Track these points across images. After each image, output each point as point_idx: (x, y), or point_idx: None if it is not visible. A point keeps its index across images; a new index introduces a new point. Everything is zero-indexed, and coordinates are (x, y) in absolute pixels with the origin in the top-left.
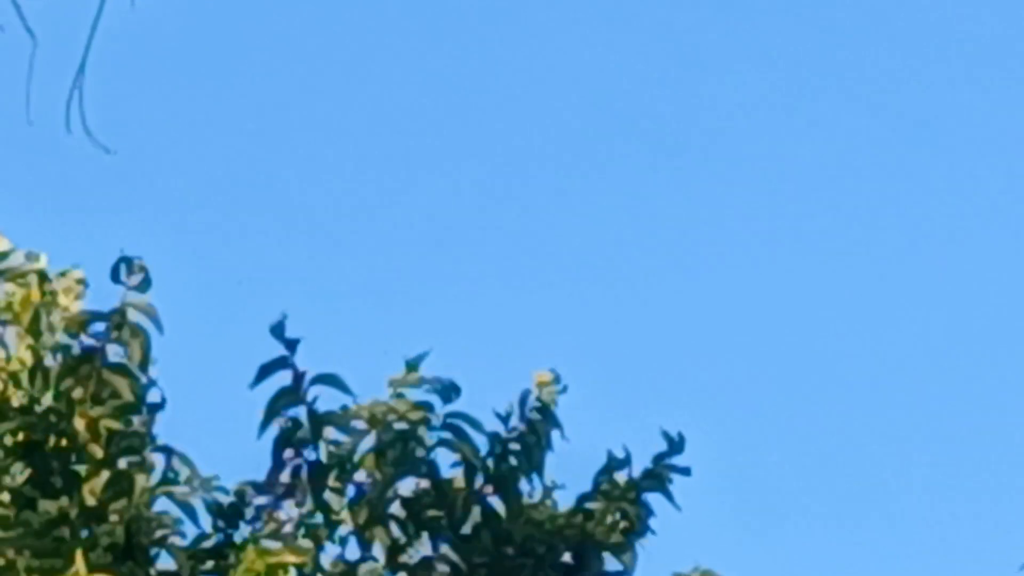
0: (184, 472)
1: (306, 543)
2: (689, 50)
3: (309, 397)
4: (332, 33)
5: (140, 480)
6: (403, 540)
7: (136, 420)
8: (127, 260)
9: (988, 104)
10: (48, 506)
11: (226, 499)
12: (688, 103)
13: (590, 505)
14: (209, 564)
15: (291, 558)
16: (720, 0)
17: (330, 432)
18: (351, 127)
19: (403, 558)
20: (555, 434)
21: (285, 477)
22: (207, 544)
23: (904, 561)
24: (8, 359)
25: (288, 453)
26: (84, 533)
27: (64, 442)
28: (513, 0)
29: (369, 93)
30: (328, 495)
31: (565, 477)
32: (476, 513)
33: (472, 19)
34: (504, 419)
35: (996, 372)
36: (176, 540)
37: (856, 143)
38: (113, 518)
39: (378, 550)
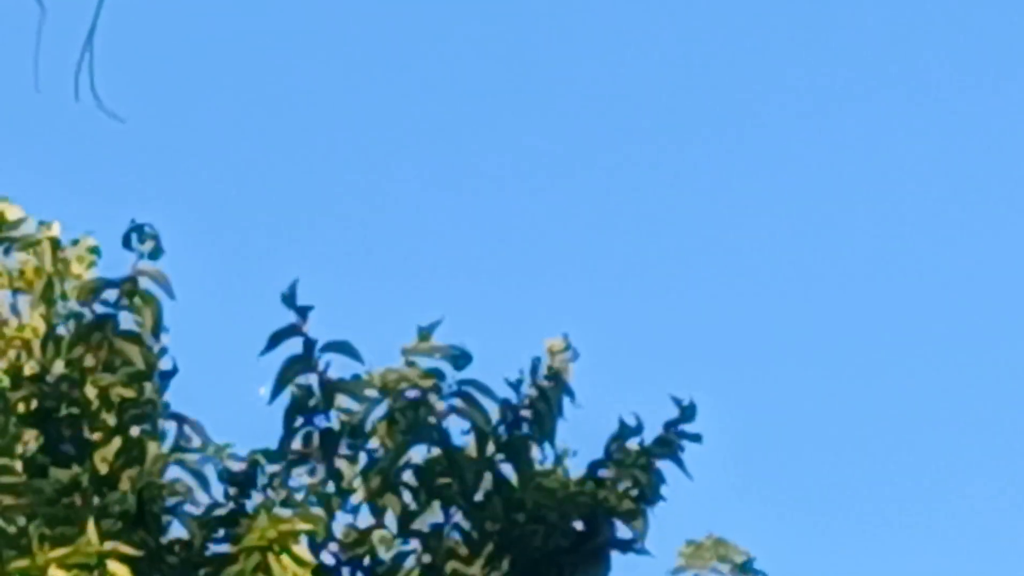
0: (196, 440)
1: (318, 511)
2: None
3: (320, 365)
4: (345, 2)
5: (152, 448)
6: (415, 508)
7: (148, 388)
8: (138, 228)
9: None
10: (60, 474)
11: (238, 467)
12: (694, 83)
13: (602, 472)
14: (221, 532)
15: (303, 526)
16: None
17: (342, 400)
18: (363, 95)
19: (415, 525)
20: (566, 401)
21: (297, 445)
22: (219, 512)
23: (918, 528)
24: (21, 327)
25: (300, 421)
26: (96, 501)
27: (76, 410)
28: None
29: (382, 60)
30: (340, 463)
31: (577, 444)
32: (487, 480)
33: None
34: (515, 386)
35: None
36: (188, 508)
37: (859, 111)
38: (125, 486)
39: (390, 518)
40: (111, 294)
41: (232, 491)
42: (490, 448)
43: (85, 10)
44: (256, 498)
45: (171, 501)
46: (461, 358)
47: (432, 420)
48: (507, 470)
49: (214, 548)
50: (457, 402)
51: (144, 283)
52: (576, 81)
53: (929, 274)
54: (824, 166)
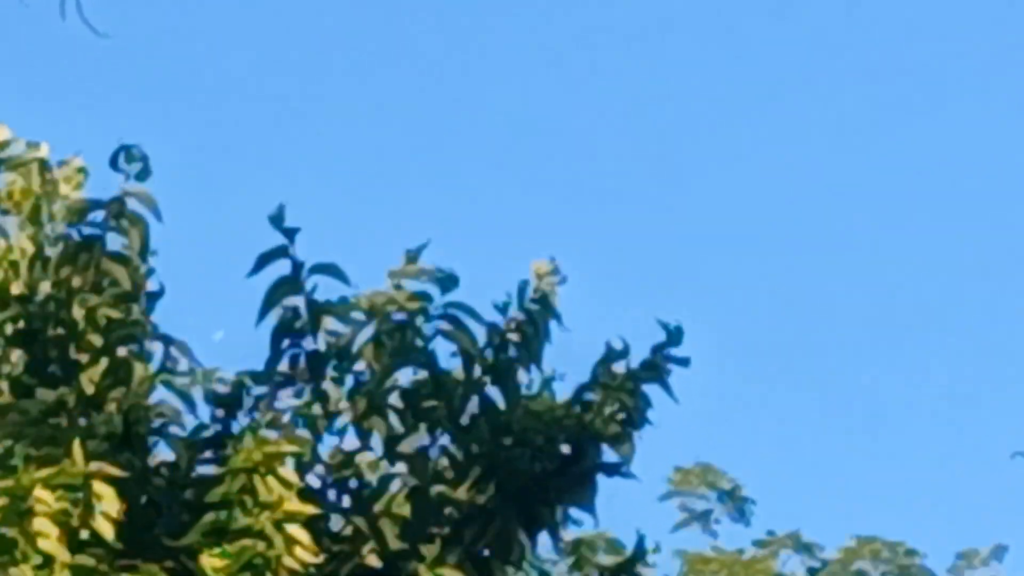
0: (183, 362)
1: (304, 433)
2: None
3: (308, 287)
4: None
5: (138, 369)
6: (401, 430)
7: (135, 309)
8: (126, 148)
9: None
10: (46, 394)
11: (224, 389)
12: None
13: (588, 396)
14: (207, 453)
15: (289, 448)
16: None
17: (329, 322)
18: (353, 17)
19: (401, 448)
20: (553, 325)
21: (283, 367)
22: (205, 434)
23: (901, 452)
24: (8, 248)
25: (286, 343)
26: (82, 422)
27: (62, 331)
28: None
29: None
30: (326, 385)
31: (563, 368)
32: (474, 403)
33: None
34: (502, 310)
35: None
36: (174, 430)
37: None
38: (111, 407)
39: (376, 440)
40: (99, 215)
41: (218, 413)
42: (477, 371)
43: None
44: (242, 420)
45: (157, 422)
46: (448, 281)
47: (419, 343)
48: (494, 393)
49: (200, 470)
50: (444, 325)
51: (132, 204)
52: (563, 5)
53: (918, 195)
54: (815, 88)
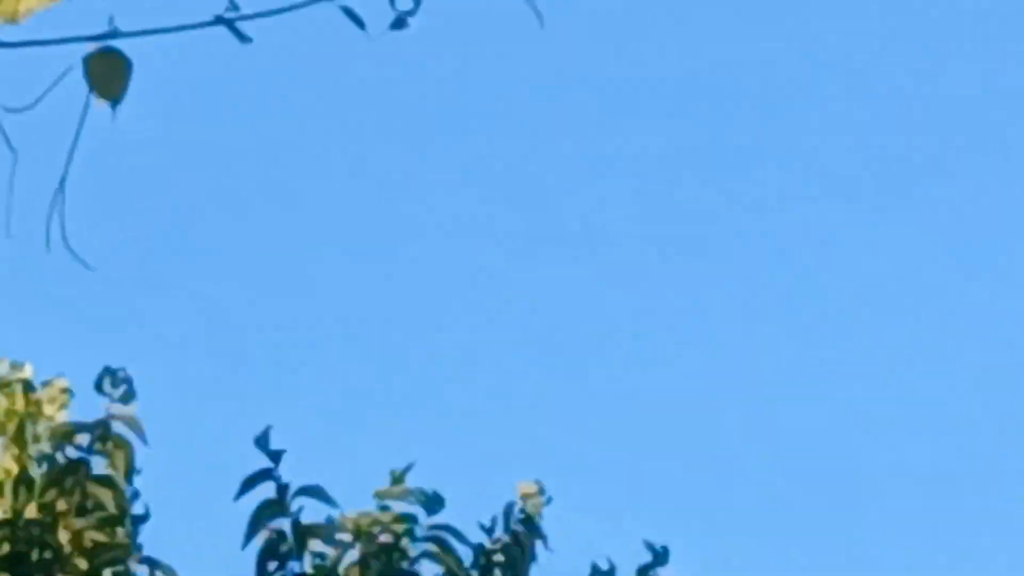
0: None
1: None
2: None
3: (293, 508)
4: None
5: None
6: None
7: (120, 532)
8: (111, 371)
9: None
10: None
11: None
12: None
13: None
14: None
15: None
16: None
17: (315, 544)
18: (332, 238)
19: None
20: (539, 545)
21: None
22: None
23: None
24: None
25: (272, 565)
26: None
27: (48, 554)
28: None
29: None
30: None
31: None
32: None
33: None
34: (488, 530)
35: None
36: None
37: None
38: None
39: None
40: (84, 438)
41: None
42: None
43: (58, 155)
44: None
45: None
46: (433, 502)
47: (405, 564)
48: None
49: None
50: (430, 546)
51: (117, 427)
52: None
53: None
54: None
